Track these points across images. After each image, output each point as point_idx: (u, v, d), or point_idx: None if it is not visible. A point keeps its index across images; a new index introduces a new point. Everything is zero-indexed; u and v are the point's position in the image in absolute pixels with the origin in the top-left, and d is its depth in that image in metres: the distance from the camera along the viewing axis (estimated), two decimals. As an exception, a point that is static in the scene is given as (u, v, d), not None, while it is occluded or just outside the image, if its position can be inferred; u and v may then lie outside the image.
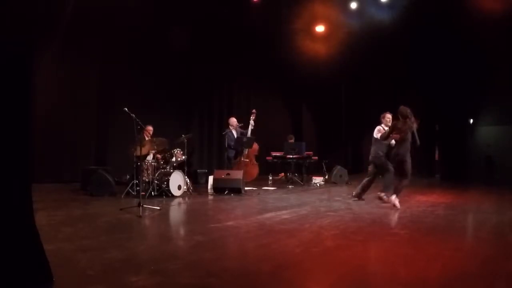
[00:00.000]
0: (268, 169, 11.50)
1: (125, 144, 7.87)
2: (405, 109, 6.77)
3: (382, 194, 7.22)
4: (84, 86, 10.10)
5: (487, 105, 13.80)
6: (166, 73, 11.29)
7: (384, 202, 7.06)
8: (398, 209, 6.52)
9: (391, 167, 7.10)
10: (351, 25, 13.02)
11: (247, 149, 9.79)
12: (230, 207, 6.85)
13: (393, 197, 6.71)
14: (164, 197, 7.65)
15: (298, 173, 11.29)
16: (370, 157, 7.61)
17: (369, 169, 7.76)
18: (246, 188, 8.89)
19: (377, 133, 7.40)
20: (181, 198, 7.75)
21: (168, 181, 7.72)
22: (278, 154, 11.30)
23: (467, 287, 3.04)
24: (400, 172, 6.77)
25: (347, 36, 13.16)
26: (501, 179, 12.62)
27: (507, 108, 12.97)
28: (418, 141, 6.76)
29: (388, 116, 7.49)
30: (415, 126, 6.71)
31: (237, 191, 8.44)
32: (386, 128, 7.22)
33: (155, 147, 7.78)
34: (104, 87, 10.50)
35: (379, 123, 7.64)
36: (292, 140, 11.70)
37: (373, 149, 7.51)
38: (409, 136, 6.67)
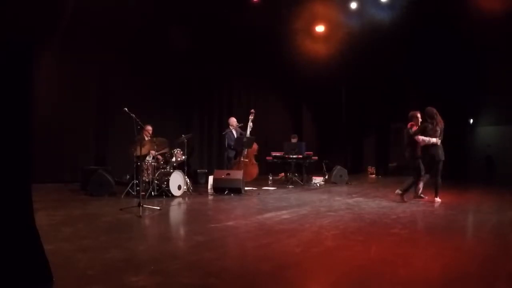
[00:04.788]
0: (268, 169, 11.50)
1: (125, 144, 7.86)
2: (431, 110, 7.14)
3: (400, 192, 7.46)
4: (84, 86, 10.09)
5: (487, 105, 13.81)
6: (166, 73, 11.28)
7: (403, 201, 7.30)
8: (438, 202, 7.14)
9: (423, 172, 7.35)
10: (351, 25, 13.02)
11: (246, 149, 9.79)
12: (230, 207, 6.85)
13: (437, 199, 7.28)
14: (164, 197, 7.65)
15: (298, 173, 11.28)
16: (407, 159, 7.64)
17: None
18: (246, 188, 8.89)
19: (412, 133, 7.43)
20: (181, 198, 7.74)
21: (168, 181, 7.72)
22: (278, 154, 11.29)
23: (467, 287, 3.04)
24: (437, 171, 7.18)
25: (347, 36, 13.16)
26: (501, 179, 12.63)
27: (507, 108, 12.97)
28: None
29: (419, 116, 7.48)
30: (439, 126, 7.07)
31: (237, 191, 8.44)
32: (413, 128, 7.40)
33: (155, 147, 7.78)
34: (104, 87, 10.49)
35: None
36: (296, 140, 11.68)
37: (409, 151, 7.49)
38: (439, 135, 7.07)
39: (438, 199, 7.27)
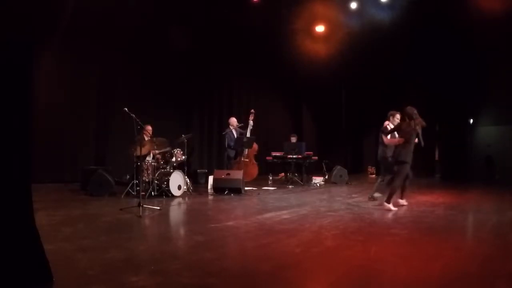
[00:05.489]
0: (268, 169, 11.50)
1: (125, 144, 7.86)
2: (411, 110, 6.66)
3: (376, 195, 7.32)
4: (84, 86, 10.10)
5: (487, 105, 13.80)
6: (166, 73, 11.28)
7: (378, 203, 6.95)
8: (393, 211, 6.36)
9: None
10: (351, 25, 13.02)
11: (246, 149, 9.79)
12: (230, 207, 6.85)
13: (390, 205, 6.55)
14: (164, 197, 7.65)
15: (298, 173, 11.28)
16: (378, 157, 7.56)
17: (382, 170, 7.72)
18: (246, 188, 8.88)
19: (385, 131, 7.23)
20: (181, 198, 7.75)
21: (168, 181, 7.72)
22: (278, 154, 11.29)
23: (467, 287, 3.04)
24: (397, 173, 6.64)
25: (347, 36, 13.16)
26: (501, 179, 12.63)
27: (507, 108, 12.95)
28: (422, 143, 6.67)
29: (398, 116, 7.27)
30: (419, 127, 6.62)
31: (237, 191, 8.43)
32: (391, 127, 7.19)
33: (155, 147, 7.78)
34: (104, 87, 10.49)
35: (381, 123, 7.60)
36: (295, 139, 11.68)
37: (380, 150, 7.43)
38: (413, 138, 6.59)
39: (390, 205, 6.49)
